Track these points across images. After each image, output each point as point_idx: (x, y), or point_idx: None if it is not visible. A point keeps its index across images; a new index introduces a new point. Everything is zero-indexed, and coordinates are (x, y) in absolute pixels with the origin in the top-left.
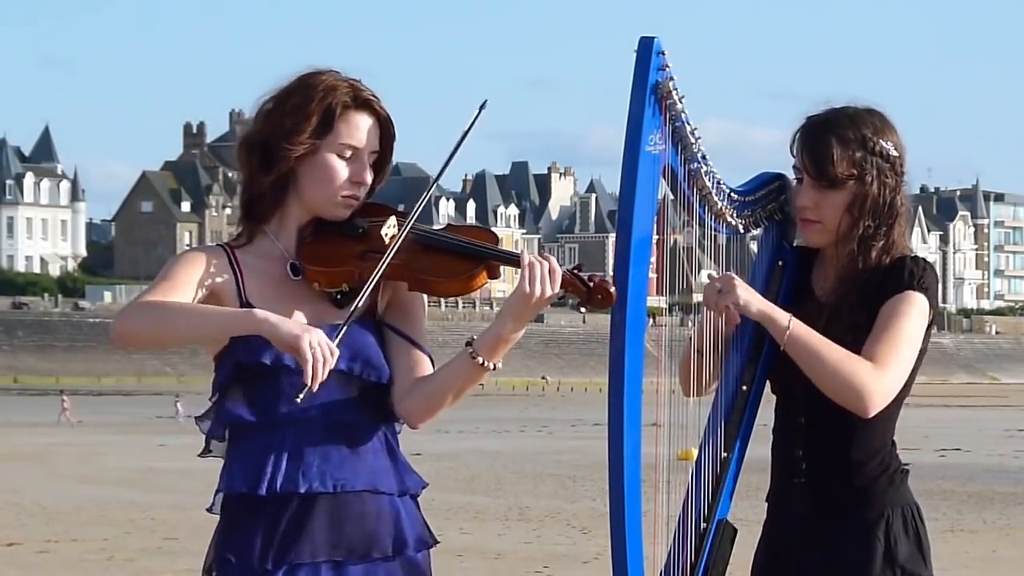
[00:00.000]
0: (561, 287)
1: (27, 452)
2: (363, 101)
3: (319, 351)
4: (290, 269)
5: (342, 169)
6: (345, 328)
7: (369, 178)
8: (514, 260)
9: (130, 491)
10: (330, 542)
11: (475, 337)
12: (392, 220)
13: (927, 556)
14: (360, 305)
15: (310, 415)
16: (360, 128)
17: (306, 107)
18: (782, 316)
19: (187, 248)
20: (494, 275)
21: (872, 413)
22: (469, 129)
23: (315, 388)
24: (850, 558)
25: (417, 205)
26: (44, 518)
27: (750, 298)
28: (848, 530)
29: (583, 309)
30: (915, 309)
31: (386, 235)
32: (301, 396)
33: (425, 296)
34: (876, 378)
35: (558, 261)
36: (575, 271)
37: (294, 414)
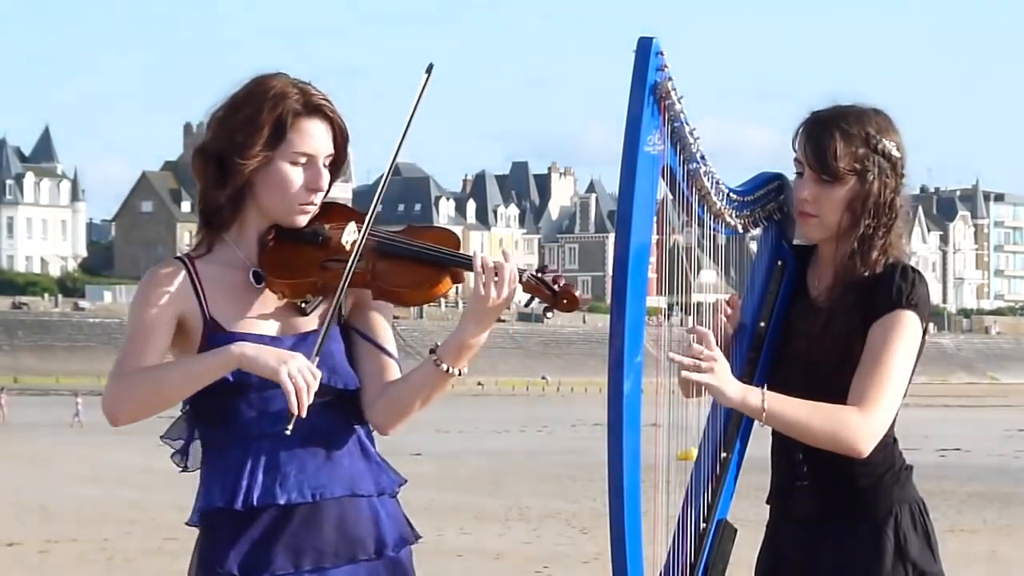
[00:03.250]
0: (526, 291)
1: (27, 452)
2: (314, 107)
3: (300, 379)
4: (253, 277)
5: (297, 177)
6: (320, 346)
7: (325, 184)
8: (470, 264)
9: (130, 491)
10: (313, 550)
11: (439, 343)
12: (352, 226)
13: (936, 552)
14: (329, 321)
15: (283, 427)
16: (312, 135)
17: (256, 119)
18: (755, 399)
19: (146, 277)
20: (458, 280)
21: (865, 454)
22: (419, 100)
23: (303, 414)
24: (860, 557)
25: (370, 213)
26: (44, 518)
27: (725, 384)
28: (857, 529)
29: (549, 315)
30: (905, 332)
31: (347, 242)
32: (290, 426)
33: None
34: (863, 424)
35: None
36: (539, 274)
37: (265, 428)
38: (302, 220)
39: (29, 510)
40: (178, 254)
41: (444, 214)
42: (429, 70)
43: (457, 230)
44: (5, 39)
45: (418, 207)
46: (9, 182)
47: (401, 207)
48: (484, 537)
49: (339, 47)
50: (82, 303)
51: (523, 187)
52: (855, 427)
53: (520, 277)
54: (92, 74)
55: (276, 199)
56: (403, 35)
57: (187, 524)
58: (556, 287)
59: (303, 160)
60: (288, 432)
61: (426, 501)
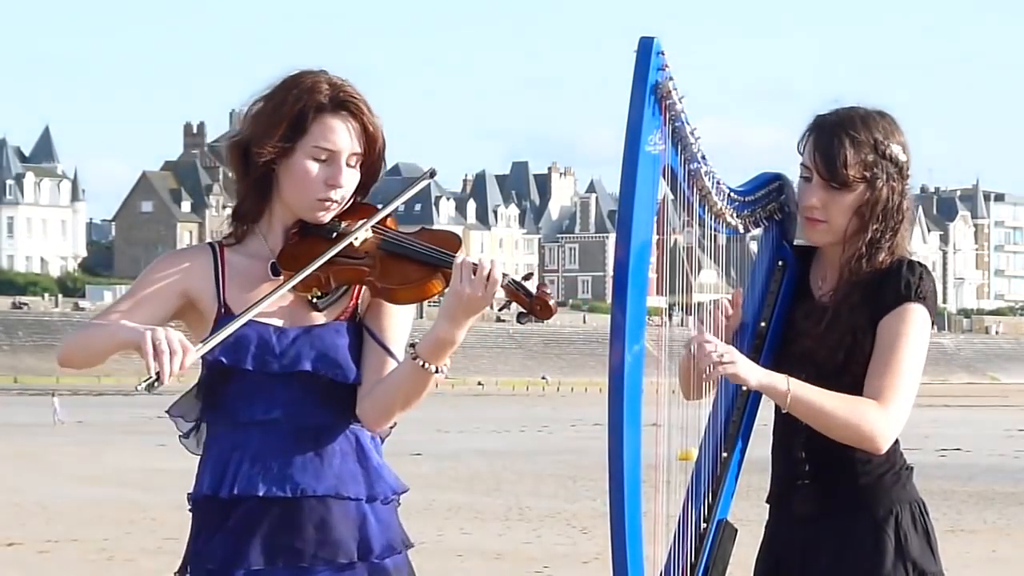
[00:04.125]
0: (507, 296)
1: (27, 452)
2: (340, 103)
3: (163, 343)
4: (270, 269)
5: (315, 172)
6: (233, 327)
7: (346, 181)
8: (451, 263)
9: (130, 491)
10: (289, 548)
11: (419, 340)
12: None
13: (936, 551)
14: (263, 303)
15: (276, 418)
16: (335, 131)
17: (279, 111)
18: (781, 381)
19: (170, 251)
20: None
21: (884, 450)
22: (414, 190)
23: (164, 379)
24: (860, 556)
25: (368, 219)
26: (44, 518)
27: (749, 371)
28: (857, 529)
29: (522, 321)
30: (916, 326)
31: (356, 239)
32: (142, 385)
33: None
34: (883, 418)
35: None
36: (520, 281)
37: (255, 415)
38: (323, 216)
39: (29, 510)
40: (210, 240)
41: (444, 214)
42: (432, 174)
43: (457, 230)
44: (5, 39)
45: (418, 207)
46: (9, 182)
47: (402, 207)
48: (484, 537)
49: (340, 47)
50: (82, 303)
51: (523, 187)
52: (876, 422)
53: (501, 281)
54: (92, 74)
55: (295, 192)
56: (403, 34)
57: (190, 511)
58: (533, 293)
59: (323, 156)
60: (136, 388)
61: (426, 501)
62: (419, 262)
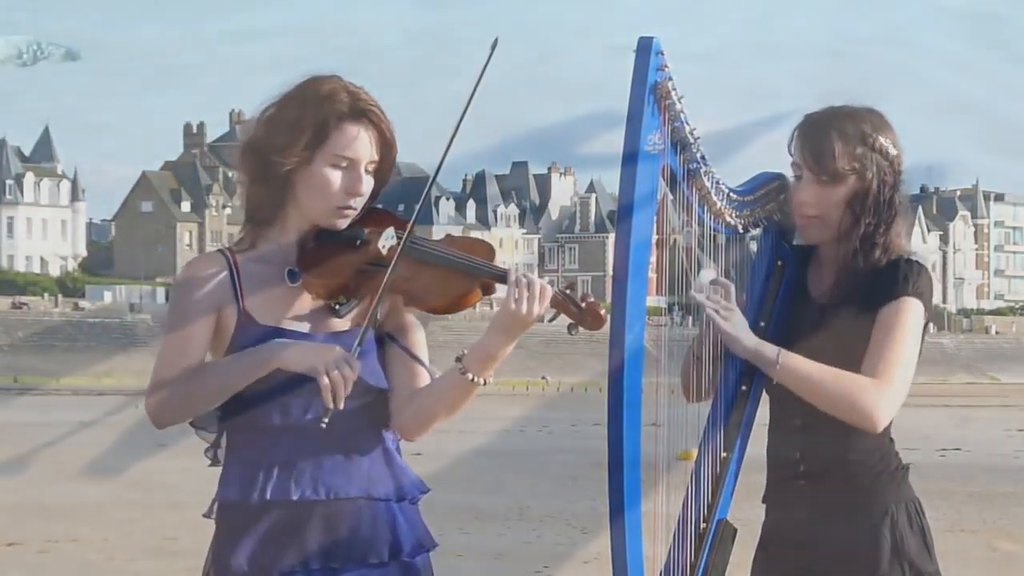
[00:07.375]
0: (552, 307)
1: (27, 452)
2: (360, 111)
3: (337, 373)
4: (288, 275)
5: (336, 180)
6: (363, 336)
7: (365, 189)
8: (503, 277)
9: (130, 491)
10: (324, 549)
11: (465, 352)
12: (390, 231)
13: (932, 550)
14: (371, 316)
15: (305, 423)
16: (355, 139)
17: (300, 119)
18: (771, 351)
19: (187, 272)
20: (489, 291)
21: (881, 428)
22: (482, 75)
23: (340, 406)
24: (857, 557)
25: (412, 217)
26: (44, 518)
27: (740, 334)
28: (853, 529)
29: (572, 332)
30: (911, 317)
31: (383, 247)
32: (326, 420)
33: None
34: (878, 393)
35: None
36: (567, 291)
37: (287, 421)
38: (341, 223)
39: (29, 510)
40: (220, 247)
41: (444, 214)
42: (494, 45)
43: (457, 230)
44: (6, 38)
45: (418, 207)
46: (9, 182)
47: (401, 207)
48: (484, 537)
49: (342, 48)
50: (82, 303)
51: (523, 187)
52: (874, 396)
53: (551, 293)
54: (92, 74)
55: (314, 200)
56: (405, 34)
57: (204, 516)
58: (583, 305)
59: (343, 163)
60: (324, 425)
61: (426, 501)
62: (455, 271)
